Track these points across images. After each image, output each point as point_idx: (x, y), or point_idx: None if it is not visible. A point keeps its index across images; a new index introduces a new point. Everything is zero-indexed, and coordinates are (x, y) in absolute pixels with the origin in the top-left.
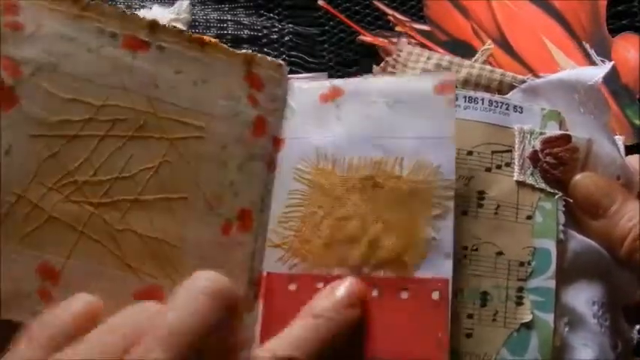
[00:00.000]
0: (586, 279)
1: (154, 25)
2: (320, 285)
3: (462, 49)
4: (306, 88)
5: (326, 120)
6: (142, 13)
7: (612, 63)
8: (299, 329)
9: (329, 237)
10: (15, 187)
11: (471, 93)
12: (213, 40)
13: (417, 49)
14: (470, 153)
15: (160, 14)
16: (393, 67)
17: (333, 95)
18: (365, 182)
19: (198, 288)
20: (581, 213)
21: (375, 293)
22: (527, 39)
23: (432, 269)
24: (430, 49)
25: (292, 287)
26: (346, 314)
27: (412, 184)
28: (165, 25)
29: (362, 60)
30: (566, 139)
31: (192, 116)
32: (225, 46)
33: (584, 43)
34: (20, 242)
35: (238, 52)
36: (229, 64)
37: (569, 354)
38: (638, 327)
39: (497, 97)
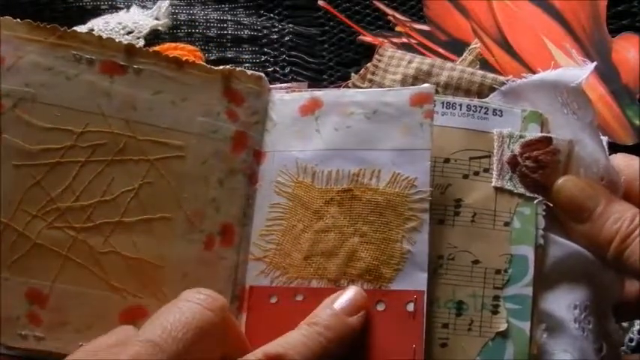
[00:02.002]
0: (568, 283)
1: (130, 49)
2: (300, 298)
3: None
4: (286, 100)
5: (306, 133)
6: (121, 15)
7: (595, 64)
8: (293, 333)
9: (308, 250)
10: (1, 216)
11: (449, 98)
12: (192, 57)
13: (398, 53)
14: (447, 161)
15: (139, 18)
16: (373, 73)
17: (313, 107)
18: (343, 195)
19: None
20: (565, 217)
21: None
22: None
23: (407, 281)
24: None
25: (273, 300)
26: (345, 322)
27: (388, 196)
28: (141, 47)
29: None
30: (547, 141)
31: (171, 136)
32: (203, 63)
33: (565, 43)
34: (8, 269)
35: (216, 68)
36: (207, 81)
37: None
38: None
39: (476, 102)
